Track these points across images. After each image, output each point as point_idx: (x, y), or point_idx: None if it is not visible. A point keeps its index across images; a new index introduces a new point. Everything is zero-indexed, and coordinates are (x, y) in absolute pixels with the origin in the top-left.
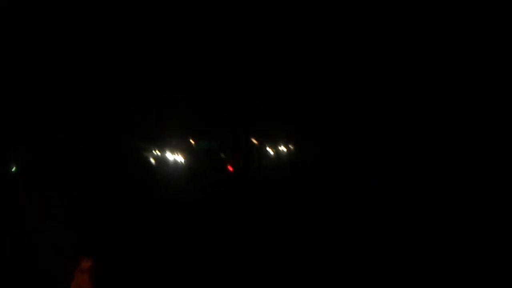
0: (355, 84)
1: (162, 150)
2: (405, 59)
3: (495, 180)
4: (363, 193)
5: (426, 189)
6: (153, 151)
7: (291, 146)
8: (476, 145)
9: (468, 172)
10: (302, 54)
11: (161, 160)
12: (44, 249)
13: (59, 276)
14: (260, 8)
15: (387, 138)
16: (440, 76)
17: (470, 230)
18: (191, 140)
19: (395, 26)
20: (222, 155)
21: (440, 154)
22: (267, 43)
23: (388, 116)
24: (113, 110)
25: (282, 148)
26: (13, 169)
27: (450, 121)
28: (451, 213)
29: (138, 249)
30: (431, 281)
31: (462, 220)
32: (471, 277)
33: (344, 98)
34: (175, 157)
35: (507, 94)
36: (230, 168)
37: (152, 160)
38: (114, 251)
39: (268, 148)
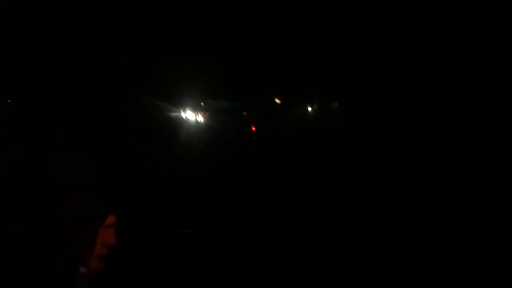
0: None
1: (181, 110)
2: (405, 59)
3: (495, 179)
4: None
5: (426, 189)
6: (171, 111)
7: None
8: (476, 145)
9: (468, 172)
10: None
11: (181, 121)
12: (68, 206)
13: (84, 234)
14: None
15: (387, 138)
16: (440, 75)
17: (470, 229)
18: (210, 100)
19: (395, 26)
20: (244, 114)
21: (440, 154)
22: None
23: (388, 115)
24: (128, 70)
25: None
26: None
27: (450, 121)
28: (451, 212)
29: (160, 206)
30: (431, 281)
31: (462, 220)
32: (471, 277)
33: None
34: (195, 117)
35: (507, 94)
36: (253, 128)
37: (171, 121)
38: (138, 207)
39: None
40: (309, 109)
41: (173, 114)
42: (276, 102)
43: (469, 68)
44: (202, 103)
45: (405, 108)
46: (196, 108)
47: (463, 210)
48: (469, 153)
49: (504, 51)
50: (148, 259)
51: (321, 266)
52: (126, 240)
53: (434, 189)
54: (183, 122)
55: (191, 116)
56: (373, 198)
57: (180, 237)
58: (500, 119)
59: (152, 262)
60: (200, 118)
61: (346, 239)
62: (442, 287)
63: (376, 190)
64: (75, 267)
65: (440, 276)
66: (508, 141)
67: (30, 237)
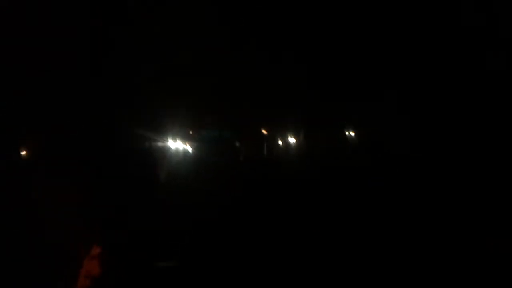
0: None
1: (170, 141)
2: (405, 58)
3: (495, 179)
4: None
5: (425, 189)
6: (161, 142)
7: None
8: (475, 144)
9: (468, 172)
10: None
11: (170, 151)
12: (53, 236)
13: (68, 264)
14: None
15: (387, 138)
16: (440, 75)
17: (470, 229)
18: (198, 130)
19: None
20: (234, 144)
21: (439, 154)
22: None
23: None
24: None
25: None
26: (21, 157)
27: (450, 120)
28: (451, 212)
29: (148, 235)
30: (431, 281)
31: (461, 220)
32: (471, 277)
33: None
34: (183, 147)
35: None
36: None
37: (162, 151)
38: (124, 238)
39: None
40: (294, 139)
41: (163, 144)
42: (263, 133)
43: (468, 67)
44: (191, 133)
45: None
46: (185, 138)
47: (463, 210)
48: (469, 153)
49: (504, 51)
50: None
51: (322, 268)
52: (110, 272)
53: (434, 189)
54: (173, 152)
55: (180, 145)
56: (373, 199)
57: (164, 269)
58: (500, 119)
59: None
60: (189, 148)
61: (346, 241)
62: (442, 287)
63: (376, 190)
64: None
65: (440, 276)
66: (508, 141)
67: (13, 267)
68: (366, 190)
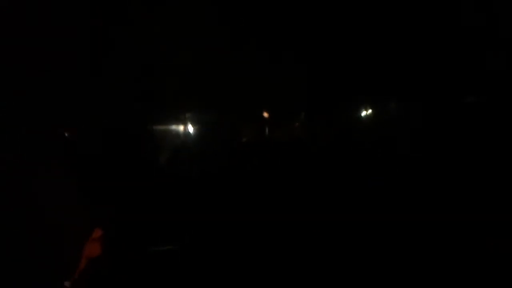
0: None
1: (170, 121)
2: (405, 58)
3: (495, 179)
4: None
5: (425, 189)
6: (160, 121)
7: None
8: (476, 144)
9: (467, 171)
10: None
11: (170, 132)
12: (56, 218)
13: (70, 245)
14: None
15: (387, 137)
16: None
17: (470, 229)
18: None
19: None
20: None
21: (439, 153)
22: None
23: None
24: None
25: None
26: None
27: (450, 120)
28: (451, 211)
29: (150, 216)
30: (431, 281)
31: (462, 220)
32: (471, 277)
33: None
34: (184, 129)
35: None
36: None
37: (160, 132)
38: (126, 219)
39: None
40: (300, 121)
41: (163, 124)
42: (265, 115)
43: (468, 67)
44: (191, 114)
45: (403, 115)
46: (185, 119)
47: (463, 210)
48: (469, 152)
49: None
50: (133, 273)
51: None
52: (112, 254)
53: (434, 188)
54: (172, 133)
55: (180, 127)
56: (373, 198)
57: (166, 251)
58: (500, 118)
59: (137, 276)
60: (190, 129)
61: (345, 240)
62: (442, 287)
63: (376, 190)
64: (60, 282)
65: (440, 276)
66: (508, 139)
67: (13, 249)
68: (366, 190)
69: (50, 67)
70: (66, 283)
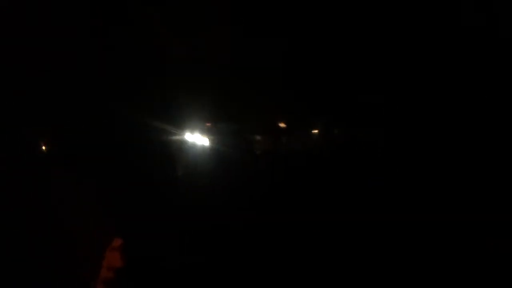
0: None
1: (186, 132)
2: (405, 58)
3: (495, 178)
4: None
5: (425, 186)
6: (176, 133)
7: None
8: (475, 143)
9: (467, 169)
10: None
11: (187, 143)
12: (75, 228)
13: (90, 254)
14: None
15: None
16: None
17: (470, 229)
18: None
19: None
20: (247, 137)
21: (439, 152)
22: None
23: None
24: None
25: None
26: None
27: (449, 120)
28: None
29: (168, 226)
30: (431, 281)
31: (462, 220)
32: (471, 277)
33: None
34: (198, 140)
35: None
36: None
37: (176, 143)
38: (145, 230)
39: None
40: (314, 132)
41: (179, 136)
42: (281, 126)
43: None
44: (208, 126)
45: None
46: (201, 131)
47: (463, 208)
48: (469, 151)
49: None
50: (154, 282)
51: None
52: (132, 263)
53: (434, 186)
54: (189, 145)
55: (196, 138)
56: (372, 198)
57: (187, 262)
58: (500, 118)
59: (158, 285)
60: (206, 141)
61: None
62: (442, 287)
63: (376, 190)
64: None
65: (440, 276)
66: (508, 138)
67: (34, 262)
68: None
69: (54, 66)
70: None
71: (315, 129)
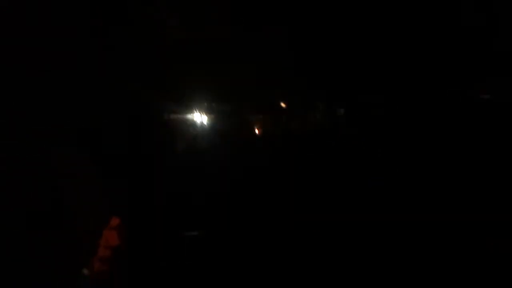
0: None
1: (185, 111)
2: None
3: (496, 179)
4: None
5: (425, 189)
6: (176, 112)
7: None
8: (476, 144)
9: (467, 170)
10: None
11: (185, 122)
12: (73, 206)
13: (87, 232)
14: None
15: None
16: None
17: (470, 230)
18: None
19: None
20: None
21: (439, 153)
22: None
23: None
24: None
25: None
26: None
27: (449, 121)
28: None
29: (166, 208)
30: (431, 281)
31: (461, 220)
32: (471, 277)
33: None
34: (200, 119)
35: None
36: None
37: (176, 122)
38: (144, 209)
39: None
40: (315, 113)
41: (178, 115)
42: (282, 106)
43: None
44: (207, 105)
45: (409, 108)
46: (201, 110)
47: (463, 210)
48: (469, 152)
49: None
50: (151, 261)
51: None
52: (129, 242)
53: (434, 188)
54: (188, 124)
55: (196, 117)
56: (373, 198)
57: (185, 239)
58: (500, 117)
59: (155, 264)
60: (205, 120)
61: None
62: (442, 287)
63: (376, 190)
64: (78, 269)
65: (440, 276)
66: (508, 139)
67: (32, 237)
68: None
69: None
70: (84, 270)
71: (317, 108)
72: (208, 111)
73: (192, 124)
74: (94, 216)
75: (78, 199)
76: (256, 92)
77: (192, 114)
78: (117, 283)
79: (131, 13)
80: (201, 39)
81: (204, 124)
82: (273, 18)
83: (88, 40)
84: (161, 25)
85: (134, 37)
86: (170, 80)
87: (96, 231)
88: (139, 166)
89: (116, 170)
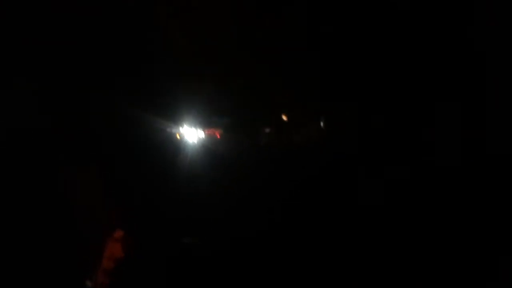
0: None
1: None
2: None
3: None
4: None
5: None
6: (175, 127)
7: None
8: (476, 145)
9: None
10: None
11: (185, 137)
12: (77, 218)
13: (92, 244)
14: None
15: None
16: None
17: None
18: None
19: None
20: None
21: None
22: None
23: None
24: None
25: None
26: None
27: (450, 121)
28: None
29: (167, 221)
30: (431, 281)
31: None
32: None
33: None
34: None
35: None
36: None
37: (175, 137)
38: (145, 221)
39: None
40: (316, 126)
41: (177, 130)
42: (283, 119)
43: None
44: (205, 119)
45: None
46: (199, 125)
47: (463, 212)
48: (468, 157)
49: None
50: (154, 273)
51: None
52: (133, 254)
53: (435, 193)
54: (187, 138)
55: (194, 132)
56: (375, 203)
57: (187, 250)
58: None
59: (158, 276)
60: (202, 135)
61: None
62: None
63: (377, 196)
64: (82, 281)
65: (440, 276)
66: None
67: (37, 248)
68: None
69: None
70: (88, 283)
71: (318, 122)
72: (206, 126)
73: (190, 138)
74: (98, 228)
75: (81, 212)
76: (258, 106)
77: (190, 128)
78: None
79: None
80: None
81: (201, 139)
82: None
83: None
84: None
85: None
86: (167, 95)
87: (100, 242)
88: (141, 180)
89: (118, 184)
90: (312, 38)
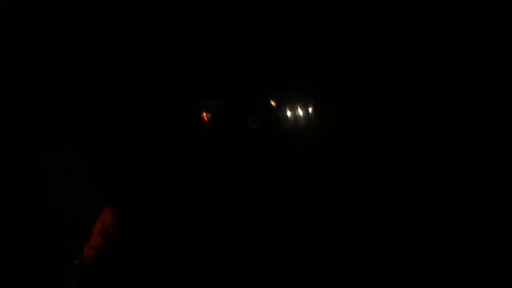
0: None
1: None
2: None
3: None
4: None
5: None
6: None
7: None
8: (476, 145)
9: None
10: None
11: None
12: (66, 196)
13: (81, 223)
14: None
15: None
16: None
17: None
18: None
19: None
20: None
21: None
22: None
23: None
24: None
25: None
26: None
27: (450, 121)
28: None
29: (159, 198)
30: (431, 281)
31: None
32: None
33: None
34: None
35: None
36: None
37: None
38: (136, 197)
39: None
40: (307, 110)
41: (169, 113)
42: (273, 103)
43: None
44: (198, 104)
45: (403, 108)
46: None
47: (463, 211)
48: (468, 154)
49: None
50: (143, 248)
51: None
52: (123, 229)
53: (435, 190)
54: (179, 121)
55: (188, 116)
56: (374, 198)
57: (178, 230)
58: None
59: (147, 251)
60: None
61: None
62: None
63: (378, 190)
64: (70, 259)
65: (440, 276)
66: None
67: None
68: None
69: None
70: (75, 261)
71: (308, 107)
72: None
73: (183, 121)
74: (87, 206)
75: (70, 189)
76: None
77: (182, 112)
78: (108, 271)
79: None
80: None
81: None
82: None
83: None
84: None
85: None
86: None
87: (89, 221)
88: (133, 157)
89: (109, 161)
90: (311, 37)
